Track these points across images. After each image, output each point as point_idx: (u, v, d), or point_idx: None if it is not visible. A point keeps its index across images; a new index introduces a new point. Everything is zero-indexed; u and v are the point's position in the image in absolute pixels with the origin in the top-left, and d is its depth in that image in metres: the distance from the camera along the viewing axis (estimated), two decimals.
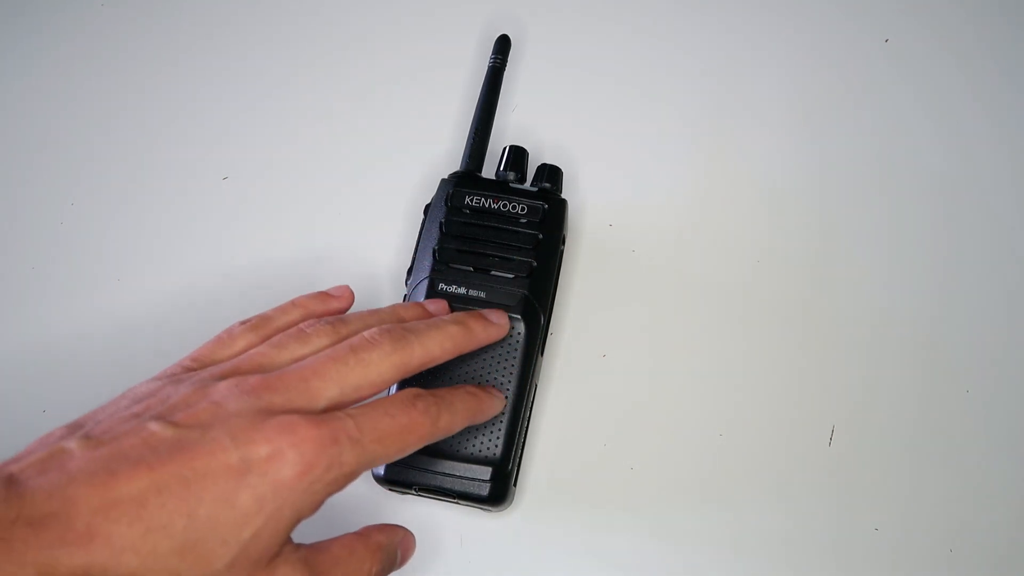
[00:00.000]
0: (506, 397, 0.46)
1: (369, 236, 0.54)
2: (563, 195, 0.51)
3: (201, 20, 0.61)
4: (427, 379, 0.45)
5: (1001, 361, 0.50)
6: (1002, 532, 0.47)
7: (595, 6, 0.59)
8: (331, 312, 0.44)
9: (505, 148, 0.52)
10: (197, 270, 0.54)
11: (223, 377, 0.36)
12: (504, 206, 0.49)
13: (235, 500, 0.32)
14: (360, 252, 0.54)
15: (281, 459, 0.33)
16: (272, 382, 0.35)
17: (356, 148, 0.57)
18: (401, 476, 0.45)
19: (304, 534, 0.36)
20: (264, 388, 0.35)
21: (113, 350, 0.53)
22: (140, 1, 0.62)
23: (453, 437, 0.44)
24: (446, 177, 0.51)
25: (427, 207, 0.50)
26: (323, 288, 0.46)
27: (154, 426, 0.33)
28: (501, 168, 0.51)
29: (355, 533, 0.38)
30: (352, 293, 0.45)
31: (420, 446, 0.38)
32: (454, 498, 0.46)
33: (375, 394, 0.38)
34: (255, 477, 0.32)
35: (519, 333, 0.47)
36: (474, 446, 0.45)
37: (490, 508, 0.46)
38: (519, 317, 0.47)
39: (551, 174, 0.51)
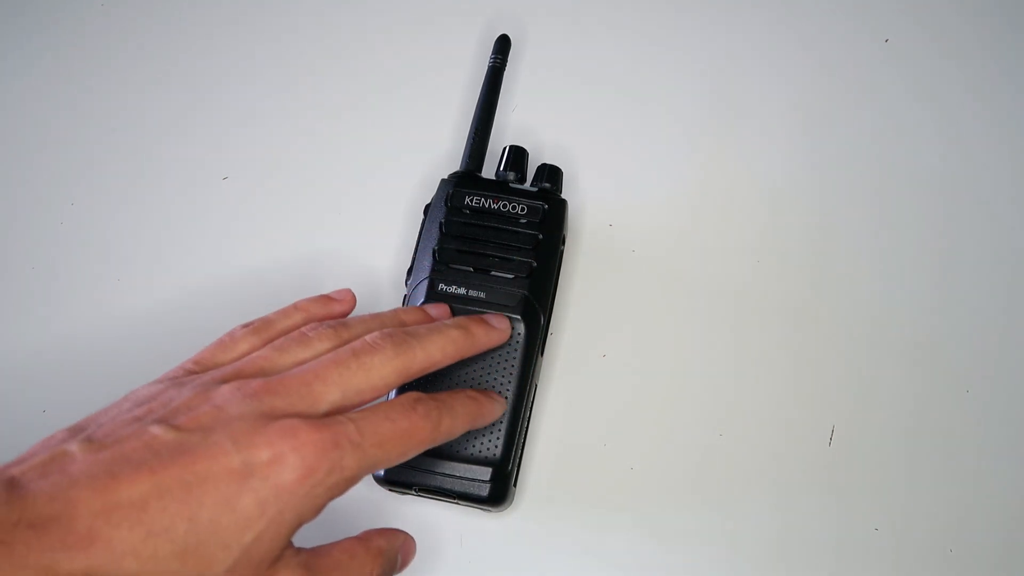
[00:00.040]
0: (506, 397, 0.46)
1: (369, 236, 0.54)
2: (563, 195, 0.51)
3: (201, 20, 0.61)
4: (428, 380, 0.45)
5: (1001, 361, 0.50)
6: (1002, 532, 0.47)
7: (595, 6, 0.59)
8: (333, 315, 0.44)
9: (505, 148, 0.52)
10: (197, 270, 0.55)
11: (225, 380, 0.36)
12: (504, 206, 0.49)
13: (236, 504, 0.32)
14: (360, 252, 0.54)
15: (283, 463, 0.33)
16: (274, 386, 0.36)
17: (356, 148, 0.57)
18: (401, 476, 0.45)
19: (304, 535, 0.36)
20: (266, 392, 0.35)
21: (113, 350, 0.53)
22: (140, 1, 0.62)
23: None
24: (446, 177, 0.51)
25: (427, 207, 0.50)
26: (323, 289, 0.46)
27: (156, 429, 0.33)
28: (501, 168, 0.51)
29: (356, 537, 0.38)
30: (354, 296, 0.46)
31: (421, 450, 0.38)
32: (454, 498, 0.46)
33: (377, 398, 0.38)
34: (257, 481, 0.32)
35: (519, 333, 0.47)
36: (474, 446, 0.45)
37: (490, 508, 0.46)
38: (519, 317, 0.47)
39: (551, 174, 0.51)
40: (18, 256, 0.56)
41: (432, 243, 0.49)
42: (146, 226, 0.56)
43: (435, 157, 0.56)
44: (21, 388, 0.53)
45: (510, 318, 0.47)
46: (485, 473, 0.45)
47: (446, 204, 0.49)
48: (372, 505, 0.48)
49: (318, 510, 0.35)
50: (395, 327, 0.41)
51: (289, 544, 0.35)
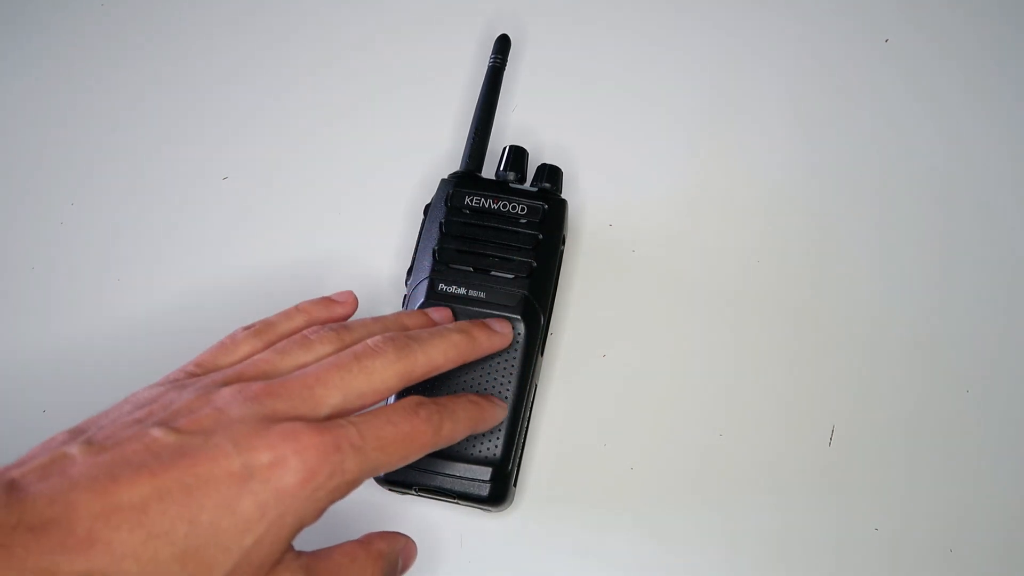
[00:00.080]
0: (506, 397, 0.46)
1: (369, 236, 0.54)
2: (563, 195, 0.51)
3: (200, 20, 0.61)
4: (429, 381, 0.45)
5: (1001, 361, 0.50)
6: (1002, 532, 0.47)
7: (595, 6, 0.59)
8: (335, 318, 0.44)
9: (505, 148, 0.52)
10: (197, 270, 0.55)
11: (226, 383, 0.36)
12: (504, 206, 0.49)
13: (237, 507, 0.32)
14: (360, 252, 0.54)
15: (284, 466, 0.33)
16: (275, 388, 0.35)
17: (356, 148, 0.57)
18: (401, 476, 0.45)
19: (305, 536, 0.36)
20: (267, 394, 0.35)
21: (113, 350, 0.53)
22: (140, 1, 0.62)
23: None
24: (446, 177, 0.51)
25: (427, 207, 0.50)
26: (323, 289, 0.46)
27: (157, 432, 0.33)
28: (501, 168, 0.51)
29: (357, 540, 0.38)
30: (356, 298, 0.46)
31: (422, 454, 0.38)
32: (454, 498, 0.46)
33: (378, 402, 0.38)
34: (257, 484, 0.32)
35: (519, 333, 0.47)
36: (474, 446, 0.45)
37: (490, 508, 0.46)
38: (519, 317, 0.47)
39: (551, 174, 0.51)
40: (18, 256, 0.56)
41: (432, 243, 0.49)
42: (146, 226, 0.56)
43: (435, 157, 0.56)
44: (21, 388, 0.53)
45: (510, 318, 0.47)
46: (485, 473, 0.45)
47: (446, 204, 0.49)
48: (372, 505, 0.48)
49: (319, 513, 0.34)
50: (397, 331, 0.41)
51: (289, 547, 0.34)
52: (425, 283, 0.48)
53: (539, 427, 0.50)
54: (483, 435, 0.46)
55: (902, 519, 0.47)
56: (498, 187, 0.50)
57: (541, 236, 0.48)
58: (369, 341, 0.39)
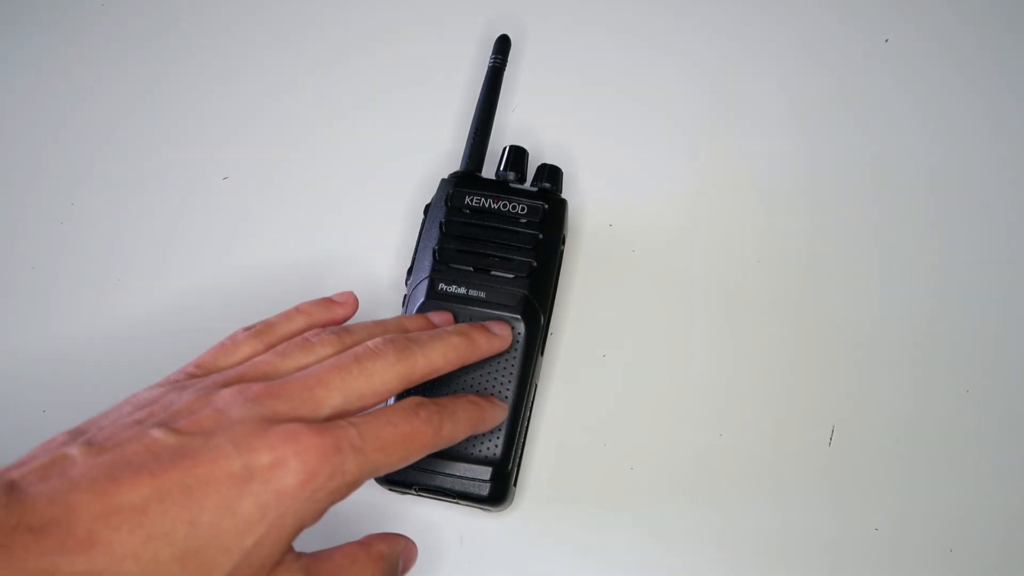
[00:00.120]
0: (506, 397, 0.46)
1: (369, 236, 0.54)
2: (563, 195, 0.51)
3: (200, 21, 0.61)
4: (428, 382, 0.45)
5: (1001, 361, 0.50)
6: (1002, 532, 0.47)
7: (595, 7, 0.59)
8: (335, 318, 0.44)
9: (505, 148, 0.52)
10: (197, 270, 0.55)
11: (227, 384, 0.36)
12: (504, 206, 0.49)
13: (237, 508, 0.32)
14: (360, 252, 0.54)
15: (284, 467, 0.33)
16: (276, 390, 0.35)
17: (356, 148, 0.57)
18: (401, 476, 0.45)
19: (305, 537, 0.36)
20: (268, 396, 0.35)
21: (113, 350, 0.53)
22: (140, 1, 0.62)
23: None
24: (446, 177, 0.51)
25: (427, 207, 0.50)
26: (323, 289, 0.46)
27: (157, 433, 0.33)
28: (501, 168, 0.51)
29: (357, 542, 0.38)
30: (356, 299, 0.45)
31: (422, 455, 0.38)
32: (454, 498, 0.46)
33: (378, 403, 0.38)
34: (258, 485, 0.32)
35: (519, 333, 0.47)
36: (474, 446, 0.45)
37: (490, 508, 0.46)
38: (519, 317, 0.47)
39: (551, 174, 0.51)
40: (18, 256, 0.56)
41: (432, 243, 0.49)
42: (146, 226, 0.56)
43: (435, 157, 0.56)
44: (21, 388, 0.53)
45: (510, 318, 0.47)
46: (485, 473, 0.45)
47: (446, 204, 0.49)
48: (372, 506, 0.48)
49: (319, 514, 0.34)
50: (398, 333, 0.41)
51: (290, 548, 0.34)
52: (425, 283, 0.48)
53: (539, 427, 0.50)
54: (483, 435, 0.46)
55: (902, 519, 0.47)
56: (498, 187, 0.50)
57: (541, 236, 0.48)
58: (369, 343, 0.39)
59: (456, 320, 0.47)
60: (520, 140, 0.54)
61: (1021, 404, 0.49)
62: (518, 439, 0.46)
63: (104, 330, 0.53)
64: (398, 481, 0.45)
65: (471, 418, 0.41)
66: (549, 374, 0.51)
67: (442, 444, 0.39)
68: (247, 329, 0.41)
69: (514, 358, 0.47)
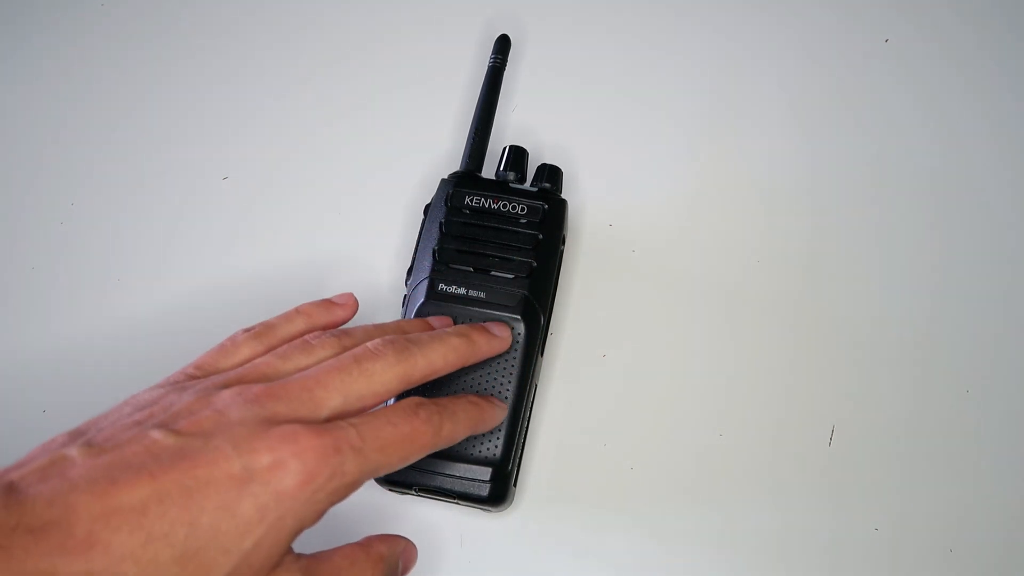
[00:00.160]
0: (506, 398, 0.46)
1: (369, 236, 0.54)
2: (563, 195, 0.51)
3: (200, 21, 0.61)
4: (428, 383, 0.45)
5: (1001, 361, 0.50)
6: (1002, 532, 0.47)
7: (595, 7, 0.59)
8: (335, 320, 0.44)
9: (505, 148, 0.52)
10: (197, 270, 0.55)
11: (227, 386, 0.36)
12: (504, 206, 0.49)
13: (237, 509, 0.32)
14: (360, 252, 0.54)
15: (283, 468, 0.33)
16: (276, 391, 0.35)
17: (356, 148, 0.57)
18: (401, 476, 0.45)
19: (305, 538, 0.36)
20: (267, 397, 0.35)
21: (113, 350, 0.53)
22: (140, 1, 0.62)
23: None
24: (446, 177, 0.51)
25: (427, 207, 0.50)
26: (323, 290, 0.46)
27: (156, 434, 0.33)
28: (501, 168, 0.51)
29: (357, 543, 0.38)
30: (356, 301, 0.45)
31: (422, 455, 0.38)
32: (454, 498, 0.46)
33: (378, 404, 0.38)
34: (257, 486, 0.32)
35: (519, 334, 0.47)
36: (474, 446, 0.45)
37: (490, 508, 0.46)
38: (519, 317, 0.47)
39: (551, 174, 0.51)
40: (18, 256, 0.56)
41: (432, 243, 0.48)
42: (146, 226, 0.56)
43: (435, 157, 0.56)
44: (21, 388, 0.53)
45: (510, 318, 0.47)
46: (485, 473, 0.45)
47: (446, 204, 0.49)
48: (372, 506, 0.48)
49: (319, 515, 0.34)
50: (397, 335, 0.41)
51: (289, 550, 0.34)
52: (425, 283, 0.48)
53: (539, 427, 0.50)
54: (483, 435, 0.46)
55: (902, 519, 0.47)
56: (498, 187, 0.50)
57: (541, 236, 0.48)
58: (369, 344, 0.39)
59: (456, 321, 0.47)
60: (520, 140, 0.54)
61: (1021, 404, 0.49)
62: (518, 439, 0.46)
63: (104, 330, 0.53)
64: (398, 481, 0.45)
65: (471, 418, 0.41)
66: (549, 374, 0.50)
67: (442, 444, 0.39)
68: (247, 331, 0.41)
69: (514, 358, 0.47)
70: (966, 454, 0.48)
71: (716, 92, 0.56)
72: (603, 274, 0.53)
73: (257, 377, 0.37)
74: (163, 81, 0.60)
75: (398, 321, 0.45)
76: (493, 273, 0.48)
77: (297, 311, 0.44)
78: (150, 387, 0.37)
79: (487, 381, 0.46)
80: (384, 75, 0.58)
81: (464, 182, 0.50)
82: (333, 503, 0.35)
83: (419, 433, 0.37)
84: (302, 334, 0.41)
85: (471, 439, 0.45)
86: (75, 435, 0.34)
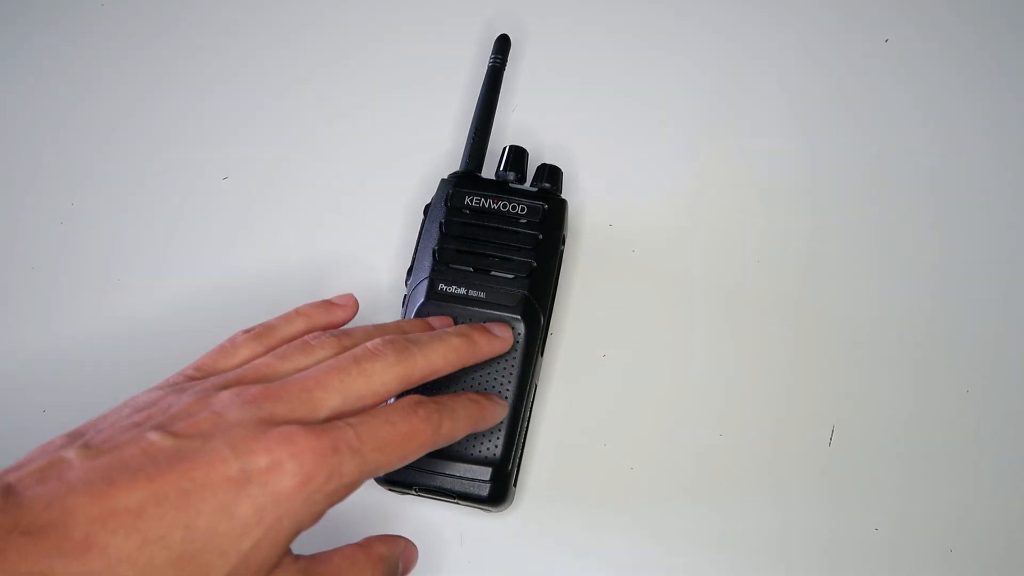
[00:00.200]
0: (506, 397, 0.46)
1: (369, 236, 0.54)
2: (563, 195, 0.51)
3: (200, 21, 0.61)
4: (428, 384, 0.45)
5: (1001, 361, 0.50)
6: (1002, 532, 0.47)
7: (595, 7, 0.59)
8: (335, 321, 0.44)
9: (505, 148, 0.52)
10: (197, 270, 0.55)
11: (225, 387, 0.36)
12: (504, 206, 0.49)
13: (234, 511, 0.32)
14: (360, 252, 0.54)
15: (281, 470, 0.33)
16: (274, 391, 0.35)
17: (356, 148, 0.57)
18: (401, 476, 0.45)
19: (304, 538, 0.36)
20: (265, 398, 0.35)
21: (113, 350, 0.53)
22: (141, 1, 0.62)
23: None
24: (446, 177, 0.51)
25: (427, 207, 0.50)
26: (323, 291, 0.46)
27: (154, 436, 0.33)
28: (501, 168, 0.51)
29: (356, 544, 0.38)
30: (356, 302, 0.45)
31: (422, 454, 0.38)
32: (454, 498, 0.46)
33: (377, 404, 0.38)
34: (255, 488, 0.32)
35: (519, 333, 0.47)
36: (474, 446, 0.45)
37: (490, 508, 0.46)
38: (519, 317, 0.47)
39: (551, 174, 0.51)
40: (18, 256, 0.56)
41: (432, 243, 0.48)
42: (146, 226, 0.56)
43: (435, 157, 0.56)
44: (21, 388, 0.53)
45: (510, 318, 0.46)
46: (485, 473, 0.45)
47: (446, 204, 0.49)
48: (372, 506, 0.48)
49: (317, 517, 0.34)
50: (397, 335, 0.41)
51: (287, 551, 0.34)
52: (425, 283, 0.47)
53: (539, 427, 0.50)
54: (483, 435, 0.46)
55: (902, 519, 0.47)
56: (498, 187, 0.50)
57: (541, 236, 0.48)
58: (368, 344, 0.39)
59: (456, 321, 0.47)
60: (520, 140, 0.54)
61: (1021, 404, 0.49)
62: (518, 439, 0.46)
63: (104, 330, 0.53)
64: (398, 481, 0.45)
65: (471, 416, 0.41)
66: (549, 374, 0.50)
67: (441, 442, 0.39)
68: (247, 331, 0.41)
69: (514, 358, 0.47)
70: (966, 454, 0.48)
71: (716, 92, 0.56)
72: (603, 274, 0.53)
73: (256, 378, 0.37)
74: (163, 81, 0.60)
75: (398, 321, 0.45)
76: (493, 273, 0.48)
77: (297, 312, 0.43)
78: (149, 388, 0.37)
79: (487, 381, 0.46)
80: (384, 75, 0.58)
81: (464, 182, 0.50)
82: (331, 504, 0.35)
83: (418, 431, 0.37)
84: (302, 335, 0.41)
85: (471, 439, 0.45)
86: (74, 437, 0.34)
